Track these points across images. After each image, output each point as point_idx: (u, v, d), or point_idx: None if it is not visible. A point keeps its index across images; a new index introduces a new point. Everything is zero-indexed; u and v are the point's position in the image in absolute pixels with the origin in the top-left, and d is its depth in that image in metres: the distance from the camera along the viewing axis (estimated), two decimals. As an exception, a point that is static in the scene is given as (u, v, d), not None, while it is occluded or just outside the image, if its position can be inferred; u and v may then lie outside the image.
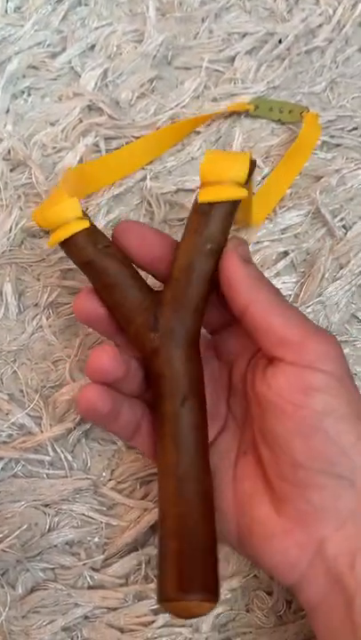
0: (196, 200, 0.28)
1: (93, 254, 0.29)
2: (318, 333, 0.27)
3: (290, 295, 0.39)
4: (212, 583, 0.25)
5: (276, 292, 0.28)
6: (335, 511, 0.25)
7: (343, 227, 0.40)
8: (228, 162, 0.28)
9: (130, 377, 0.28)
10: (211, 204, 0.28)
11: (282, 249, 0.39)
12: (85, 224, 0.29)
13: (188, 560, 0.25)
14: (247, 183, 0.29)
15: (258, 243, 0.39)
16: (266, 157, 0.41)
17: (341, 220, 0.40)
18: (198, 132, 0.41)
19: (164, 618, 0.32)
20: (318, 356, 0.26)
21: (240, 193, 0.28)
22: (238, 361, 0.31)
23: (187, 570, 0.24)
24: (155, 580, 0.33)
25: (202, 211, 0.28)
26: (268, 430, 0.27)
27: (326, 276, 0.39)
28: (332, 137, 0.42)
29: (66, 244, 0.29)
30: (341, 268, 0.39)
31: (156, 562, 0.26)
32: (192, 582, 0.24)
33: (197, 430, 0.27)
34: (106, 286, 0.29)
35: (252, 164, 0.29)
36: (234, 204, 0.28)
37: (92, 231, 0.29)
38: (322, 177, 0.41)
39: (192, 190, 0.40)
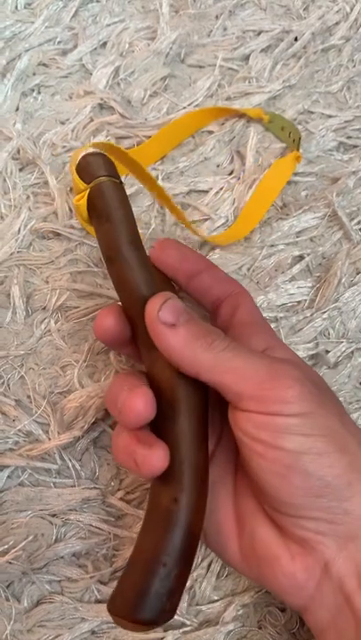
0: None
1: (116, 209, 0.28)
2: (274, 378, 0.25)
3: (305, 300, 0.37)
4: (134, 606, 0.24)
5: (220, 343, 0.26)
6: (334, 535, 0.25)
7: (360, 230, 0.39)
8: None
9: None
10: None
11: (297, 253, 0.38)
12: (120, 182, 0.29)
13: (125, 577, 0.25)
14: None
15: (273, 246, 0.38)
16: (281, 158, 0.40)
17: (358, 223, 0.39)
18: (211, 132, 0.40)
19: (173, 635, 0.31)
20: (280, 404, 0.25)
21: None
22: None
23: (119, 588, 0.25)
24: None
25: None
26: (248, 464, 0.26)
27: (343, 281, 0.37)
28: (348, 138, 0.41)
29: (96, 189, 0.28)
30: (358, 273, 0.38)
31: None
32: (115, 603, 0.24)
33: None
34: (115, 254, 0.28)
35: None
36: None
37: (123, 189, 0.30)
38: (338, 179, 0.40)
39: (205, 191, 0.39)
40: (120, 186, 0.29)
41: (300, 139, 0.39)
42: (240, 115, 0.41)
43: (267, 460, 0.25)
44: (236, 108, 0.40)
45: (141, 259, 0.28)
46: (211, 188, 0.39)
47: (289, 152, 0.40)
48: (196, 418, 0.26)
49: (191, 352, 0.25)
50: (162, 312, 0.26)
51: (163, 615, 0.24)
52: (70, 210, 0.37)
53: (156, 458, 0.25)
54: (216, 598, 0.32)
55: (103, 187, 0.28)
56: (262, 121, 0.40)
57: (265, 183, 0.38)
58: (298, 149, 0.39)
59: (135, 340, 0.29)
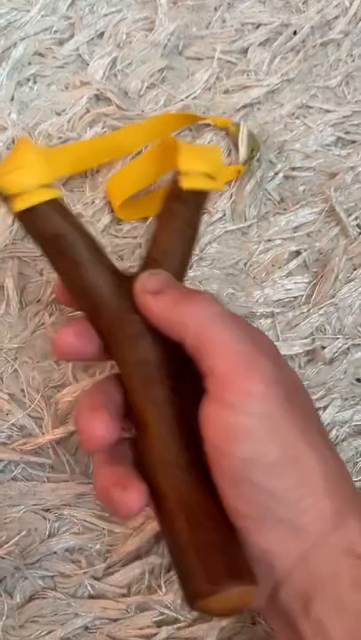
0: (174, 188, 0.29)
1: (63, 227, 0.26)
2: (249, 367, 0.24)
3: (302, 296, 0.37)
4: (242, 566, 0.23)
5: (203, 299, 0.25)
6: (285, 556, 0.24)
7: (358, 226, 0.39)
8: (205, 154, 0.30)
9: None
10: (191, 193, 0.29)
11: (294, 248, 0.38)
12: (54, 193, 0.26)
13: (208, 548, 0.23)
14: None
15: (269, 241, 0.38)
16: (279, 152, 0.40)
17: (356, 218, 0.39)
18: (208, 125, 0.40)
19: (167, 630, 0.31)
20: (243, 395, 0.23)
21: (217, 185, 0.30)
22: None
23: (210, 559, 0.23)
24: (158, 591, 0.32)
25: (183, 198, 0.29)
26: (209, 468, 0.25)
27: (340, 276, 0.37)
28: (347, 133, 0.41)
29: (29, 214, 0.26)
30: (355, 269, 0.38)
31: (172, 565, 0.25)
32: (221, 570, 0.22)
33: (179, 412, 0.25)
34: (75, 265, 0.26)
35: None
36: (207, 194, 0.30)
37: (61, 202, 0.27)
38: (336, 174, 0.39)
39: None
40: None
41: (258, 153, 0.38)
42: (238, 108, 0.40)
43: (222, 467, 0.24)
44: (204, 117, 0.39)
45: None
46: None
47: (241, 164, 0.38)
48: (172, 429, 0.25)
49: (177, 315, 0.25)
50: (148, 281, 0.26)
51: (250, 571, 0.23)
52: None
53: (131, 500, 0.24)
54: (210, 594, 0.32)
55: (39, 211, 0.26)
56: (228, 130, 0.39)
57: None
58: (249, 165, 0.38)
59: (108, 350, 0.27)
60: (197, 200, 0.29)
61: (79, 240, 0.26)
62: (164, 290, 0.26)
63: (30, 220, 0.26)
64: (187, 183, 0.28)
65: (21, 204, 0.25)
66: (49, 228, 0.26)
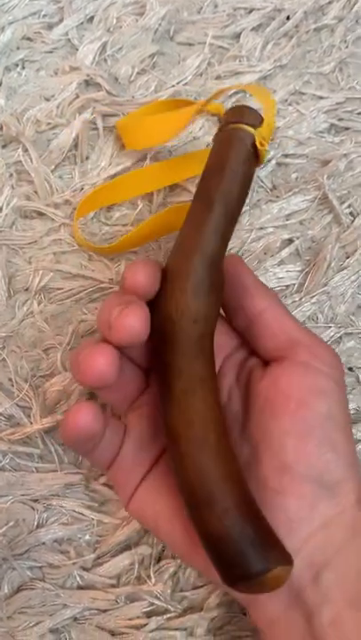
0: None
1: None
2: (323, 341, 0.28)
3: (294, 285, 0.37)
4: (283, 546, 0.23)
5: (279, 297, 0.29)
6: (309, 521, 0.24)
7: (351, 214, 0.38)
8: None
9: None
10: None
11: (286, 236, 0.37)
12: None
13: (260, 527, 0.23)
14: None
15: (261, 229, 0.37)
16: (272, 140, 0.39)
17: (349, 206, 0.38)
18: (201, 111, 0.39)
19: (156, 621, 0.31)
20: (327, 361, 0.26)
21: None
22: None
23: (263, 537, 0.23)
24: (148, 581, 0.31)
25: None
26: (262, 430, 0.26)
27: (332, 265, 0.37)
28: (340, 120, 0.40)
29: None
30: (348, 257, 0.37)
31: (208, 547, 0.23)
32: (272, 548, 0.22)
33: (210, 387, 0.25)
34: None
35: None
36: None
37: None
38: (329, 161, 0.39)
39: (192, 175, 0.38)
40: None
41: None
42: (231, 93, 0.40)
43: (294, 419, 0.25)
44: (197, 102, 0.39)
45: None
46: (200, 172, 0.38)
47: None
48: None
49: (266, 292, 0.28)
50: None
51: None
52: (52, 188, 0.36)
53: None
54: (200, 584, 0.32)
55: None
56: (219, 116, 0.39)
57: (179, 162, 0.37)
58: None
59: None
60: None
61: None
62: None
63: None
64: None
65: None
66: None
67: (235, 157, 0.27)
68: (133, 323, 0.23)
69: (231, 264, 0.28)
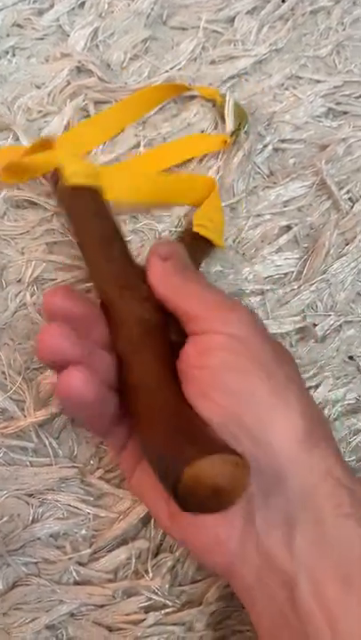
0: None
1: (105, 205, 0.31)
2: (225, 305, 0.27)
3: (292, 272, 0.36)
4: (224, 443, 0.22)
5: (193, 277, 0.28)
6: (258, 475, 0.23)
7: (350, 199, 0.37)
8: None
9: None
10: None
11: (284, 223, 0.37)
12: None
13: (196, 427, 0.23)
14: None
15: (259, 216, 0.37)
16: (268, 124, 0.38)
17: (348, 192, 0.37)
18: (194, 97, 0.38)
19: (155, 616, 0.30)
20: (219, 322, 0.26)
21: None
22: None
23: (199, 432, 0.23)
24: (145, 576, 0.31)
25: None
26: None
27: (331, 252, 0.36)
28: (338, 104, 0.40)
29: (85, 190, 0.31)
30: (347, 243, 0.37)
31: (153, 462, 0.24)
32: (210, 439, 0.22)
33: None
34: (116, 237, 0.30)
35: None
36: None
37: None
38: (327, 146, 0.38)
39: (188, 159, 0.37)
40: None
41: (246, 125, 0.37)
42: (225, 79, 0.39)
43: (197, 382, 0.24)
44: (191, 86, 0.38)
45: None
46: (195, 156, 0.37)
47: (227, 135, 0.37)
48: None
49: (169, 281, 0.28)
50: (160, 247, 0.29)
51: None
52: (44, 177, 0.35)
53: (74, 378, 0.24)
54: (199, 578, 0.31)
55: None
56: (215, 102, 0.38)
57: (172, 148, 0.37)
58: (237, 136, 0.37)
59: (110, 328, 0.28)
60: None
61: (114, 221, 0.30)
62: (173, 257, 0.28)
63: (84, 193, 0.30)
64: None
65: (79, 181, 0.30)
66: (100, 206, 0.30)
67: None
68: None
69: (146, 260, 0.29)
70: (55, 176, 0.32)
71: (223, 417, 0.24)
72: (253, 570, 0.23)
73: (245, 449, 0.23)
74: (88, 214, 0.30)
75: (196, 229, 0.33)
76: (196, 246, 0.33)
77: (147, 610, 0.30)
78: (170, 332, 0.28)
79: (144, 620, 0.30)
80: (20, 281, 0.34)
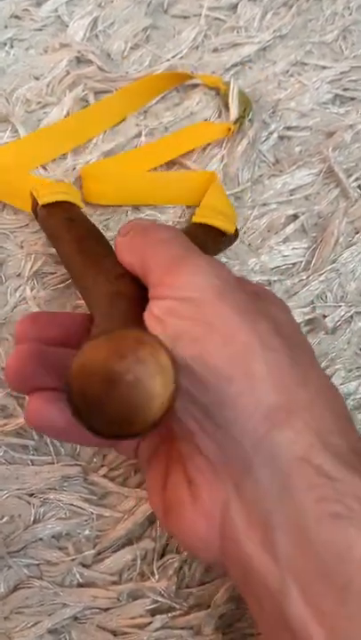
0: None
1: (79, 213, 0.31)
2: (175, 265, 0.23)
3: (300, 262, 0.35)
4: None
5: (154, 242, 0.25)
6: (225, 462, 0.21)
7: (359, 187, 0.36)
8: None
9: None
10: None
11: (291, 212, 0.35)
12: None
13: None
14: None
15: (265, 205, 0.35)
16: (273, 112, 0.37)
17: (356, 179, 0.36)
18: (197, 85, 0.37)
19: (161, 619, 0.29)
20: (168, 286, 0.22)
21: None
22: None
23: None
24: (151, 577, 0.30)
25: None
26: None
27: (340, 240, 0.35)
28: (345, 90, 0.39)
29: (57, 205, 0.31)
30: (357, 232, 0.36)
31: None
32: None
33: None
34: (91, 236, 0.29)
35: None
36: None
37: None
38: (335, 132, 0.37)
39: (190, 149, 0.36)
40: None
41: (250, 112, 0.36)
42: (228, 67, 0.38)
43: None
44: (194, 75, 0.37)
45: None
46: (199, 145, 0.36)
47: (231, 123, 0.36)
48: None
49: (129, 251, 0.25)
50: (123, 226, 0.27)
51: None
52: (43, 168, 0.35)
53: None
54: (207, 580, 0.30)
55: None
56: (218, 90, 0.37)
57: (175, 138, 0.36)
58: (241, 124, 0.36)
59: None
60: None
61: (89, 223, 0.31)
62: (132, 228, 0.26)
63: (54, 207, 0.30)
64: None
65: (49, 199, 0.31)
66: (70, 211, 0.30)
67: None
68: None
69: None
70: (34, 202, 0.31)
71: (181, 397, 0.20)
72: (240, 573, 0.21)
73: (208, 434, 0.21)
74: (60, 225, 0.30)
75: (195, 220, 0.32)
76: (205, 237, 0.31)
77: (153, 613, 0.29)
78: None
79: (150, 623, 0.29)
80: (19, 275, 0.33)
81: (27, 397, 0.31)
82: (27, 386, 0.24)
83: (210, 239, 0.32)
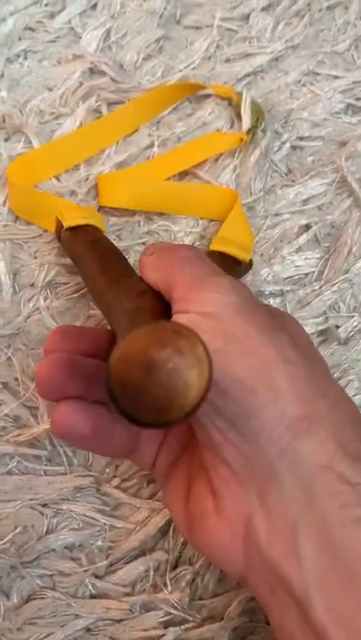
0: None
1: (101, 236, 0.31)
2: (197, 282, 0.24)
3: (313, 273, 0.35)
4: None
5: (176, 261, 0.25)
6: (250, 474, 0.21)
7: (372, 197, 0.36)
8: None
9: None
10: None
11: (304, 221, 0.35)
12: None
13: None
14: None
15: (277, 215, 0.35)
16: (285, 122, 0.37)
17: (369, 189, 0.36)
18: (209, 95, 0.38)
19: (174, 632, 0.29)
20: (192, 302, 0.23)
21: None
22: None
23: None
24: (164, 589, 0.30)
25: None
26: None
27: (353, 250, 0.35)
28: (357, 99, 0.39)
29: (80, 229, 0.31)
30: (370, 242, 0.35)
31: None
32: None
33: None
34: (113, 256, 0.30)
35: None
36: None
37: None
38: (347, 142, 0.37)
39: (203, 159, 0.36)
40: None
41: (262, 122, 0.36)
42: (240, 77, 0.38)
43: None
44: (206, 85, 0.37)
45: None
46: (212, 155, 0.36)
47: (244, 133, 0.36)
48: None
49: (153, 268, 0.26)
50: (147, 248, 0.27)
51: None
52: (56, 178, 0.35)
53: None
54: (220, 592, 0.30)
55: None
56: (231, 100, 0.37)
57: (188, 148, 0.36)
58: (254, 134, 0.36)
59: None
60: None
61: (111, 244, 0.31)
62: (158, 249, 0.27)
63: (78, 230, 0.31)
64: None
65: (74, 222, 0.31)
66: (93, 234, 0.31)
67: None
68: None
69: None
70: (59, 224, 0.32)
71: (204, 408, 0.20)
72: (265, 582, 0.21)
73: (233, 444, 0.21)
74: (83, 246, 0.30)
75: (212, 248, 0.32)
76: (222, 264, 0.30)
77: (166, 625, 0.29)
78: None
79: (163, 635, 0.29)
80: (33, 285, 0.34)
81: (40, 405, 0.31)
82: (56, 393, 0.25)
83: (227, 267, 0.31)
